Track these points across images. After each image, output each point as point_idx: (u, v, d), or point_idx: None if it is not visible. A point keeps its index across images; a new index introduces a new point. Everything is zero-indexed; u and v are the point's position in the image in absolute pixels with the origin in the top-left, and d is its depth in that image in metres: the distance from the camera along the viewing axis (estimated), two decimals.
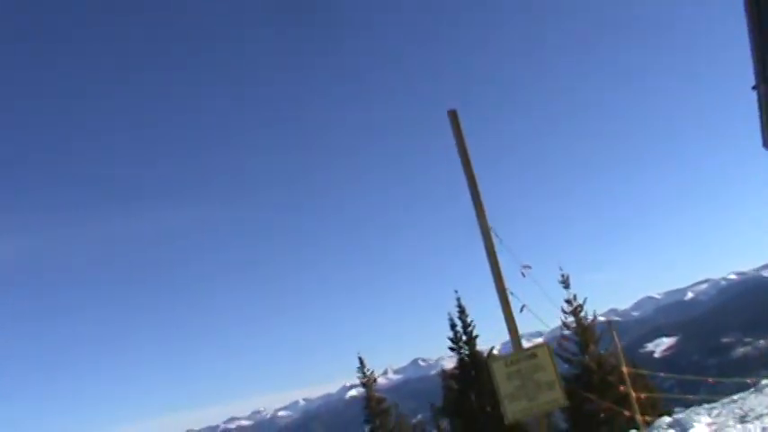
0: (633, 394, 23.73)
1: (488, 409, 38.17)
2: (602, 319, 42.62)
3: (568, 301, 39.40)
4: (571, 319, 39.18)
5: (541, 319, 12.25)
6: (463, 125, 10.32)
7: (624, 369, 24.84)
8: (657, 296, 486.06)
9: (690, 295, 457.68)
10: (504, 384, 10.41)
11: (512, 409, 10.53)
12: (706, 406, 27.07)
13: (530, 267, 10.83)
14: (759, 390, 27.59)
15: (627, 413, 24.53)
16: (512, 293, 10.07)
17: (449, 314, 43.11)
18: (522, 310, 10.40)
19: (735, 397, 28.02)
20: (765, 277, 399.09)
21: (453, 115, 10.36)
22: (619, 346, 26.29)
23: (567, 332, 39.13)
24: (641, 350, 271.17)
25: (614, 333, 26.94)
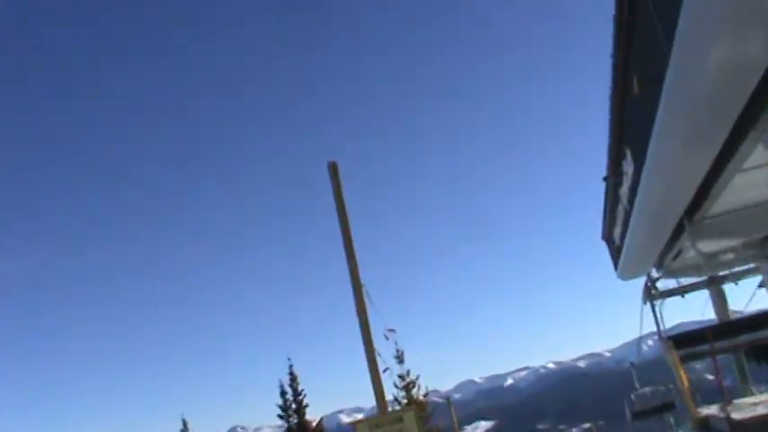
0: None
1: None
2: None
3: (401, 377, 39.59)
4: (402, 394, 39.36)
5: (398, 385, 12.02)
6: (343, 178, 10.09)
7: None
8: (478, 380, 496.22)
9: (510, 381, 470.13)
10: None
11: None
12: None
13: (394, 331, 10.61)
14: None
15: None
16: (379, 355, 9.79)
17: (279, 381, 42.53)
18: (385, 372, 10.13)
19: None
20: (581, 368, 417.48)
21: (333, 167, 10.10)
22: (455, 420, 26.42)
23: (397, 408, 39.18)
24: None
25: (452, 410, 27.11)
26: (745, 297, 18.56)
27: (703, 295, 20.40)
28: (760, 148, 8.90)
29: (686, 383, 9.30)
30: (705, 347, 11.91)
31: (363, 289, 9.63)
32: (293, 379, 42.70)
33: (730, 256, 17.91)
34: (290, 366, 42.82)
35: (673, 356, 9.77)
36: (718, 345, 10.70)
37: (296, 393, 42.37)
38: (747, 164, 9.99)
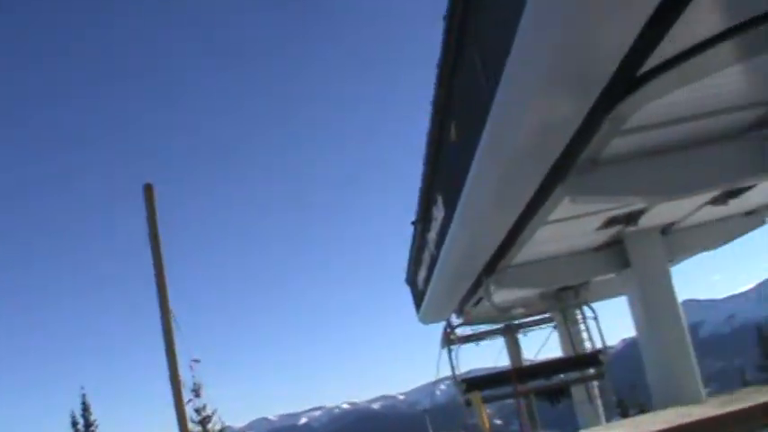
0: None
1: None
2: None
3: (197, 411, 38.61)
4: (198, 428, 38.39)
5: (194, 419, 11.65)
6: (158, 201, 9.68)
7: None
8: (272, 418, 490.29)
9: (304, 420, 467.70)
10: None
11: None
12: None
13: (199, 361, 10.21)
14: None
15: None
16: (184, 385, 9.38)
17: (71, 411, 40.55)
18: (188, 404, 9.74)
19: None
20: (374, 409, 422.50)
21: (149, 189, 9.69)
22: None
23: None
24: None
25: None
26: (537, 346, 19.43)
27: (498, 343, 21.18)
28: (565, 201, 9.37)
29: (487, 424, 9.56)
30: (503, 390, 12.33)
31: (172, 316, 9.25)
32: (86, 409, 40.90)
33: (521, 310, 18.76)
34: (83, 396, 41.04)
35: (475, 398, 10.03)
36: (518, 388, 11.15)
37: (88, 424, 40.60)
38: (552, 217, 10.49)
